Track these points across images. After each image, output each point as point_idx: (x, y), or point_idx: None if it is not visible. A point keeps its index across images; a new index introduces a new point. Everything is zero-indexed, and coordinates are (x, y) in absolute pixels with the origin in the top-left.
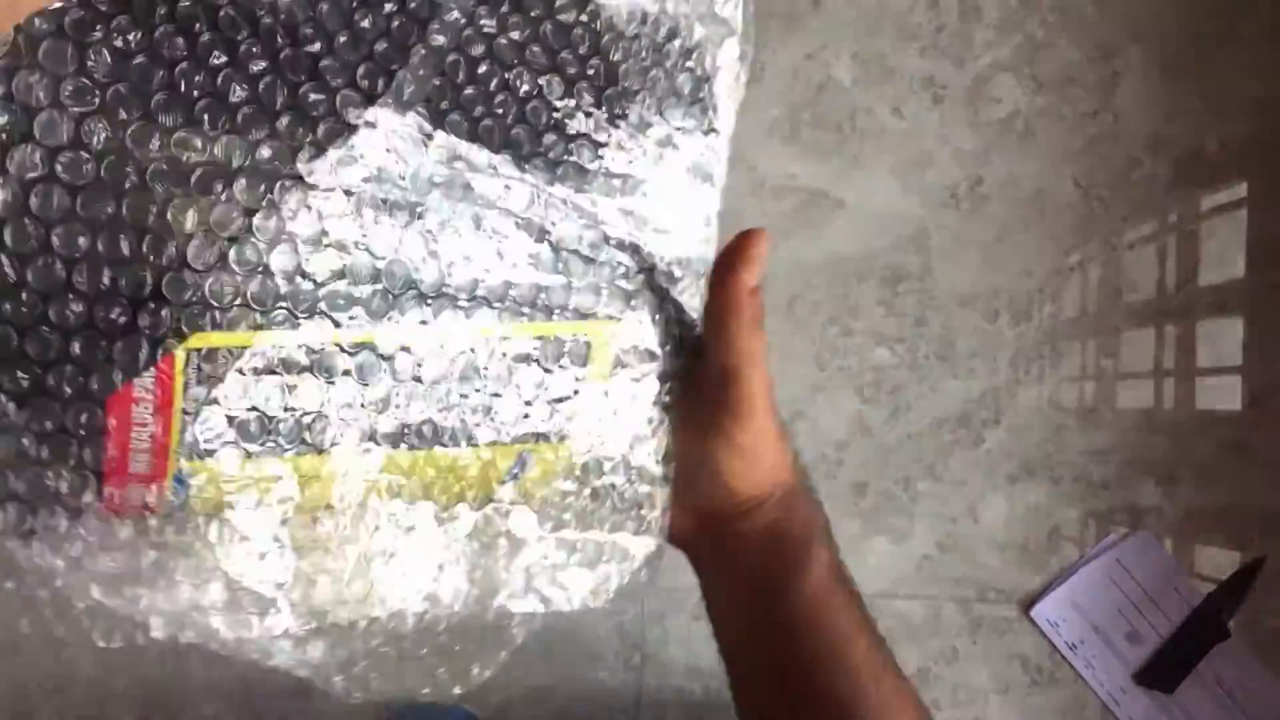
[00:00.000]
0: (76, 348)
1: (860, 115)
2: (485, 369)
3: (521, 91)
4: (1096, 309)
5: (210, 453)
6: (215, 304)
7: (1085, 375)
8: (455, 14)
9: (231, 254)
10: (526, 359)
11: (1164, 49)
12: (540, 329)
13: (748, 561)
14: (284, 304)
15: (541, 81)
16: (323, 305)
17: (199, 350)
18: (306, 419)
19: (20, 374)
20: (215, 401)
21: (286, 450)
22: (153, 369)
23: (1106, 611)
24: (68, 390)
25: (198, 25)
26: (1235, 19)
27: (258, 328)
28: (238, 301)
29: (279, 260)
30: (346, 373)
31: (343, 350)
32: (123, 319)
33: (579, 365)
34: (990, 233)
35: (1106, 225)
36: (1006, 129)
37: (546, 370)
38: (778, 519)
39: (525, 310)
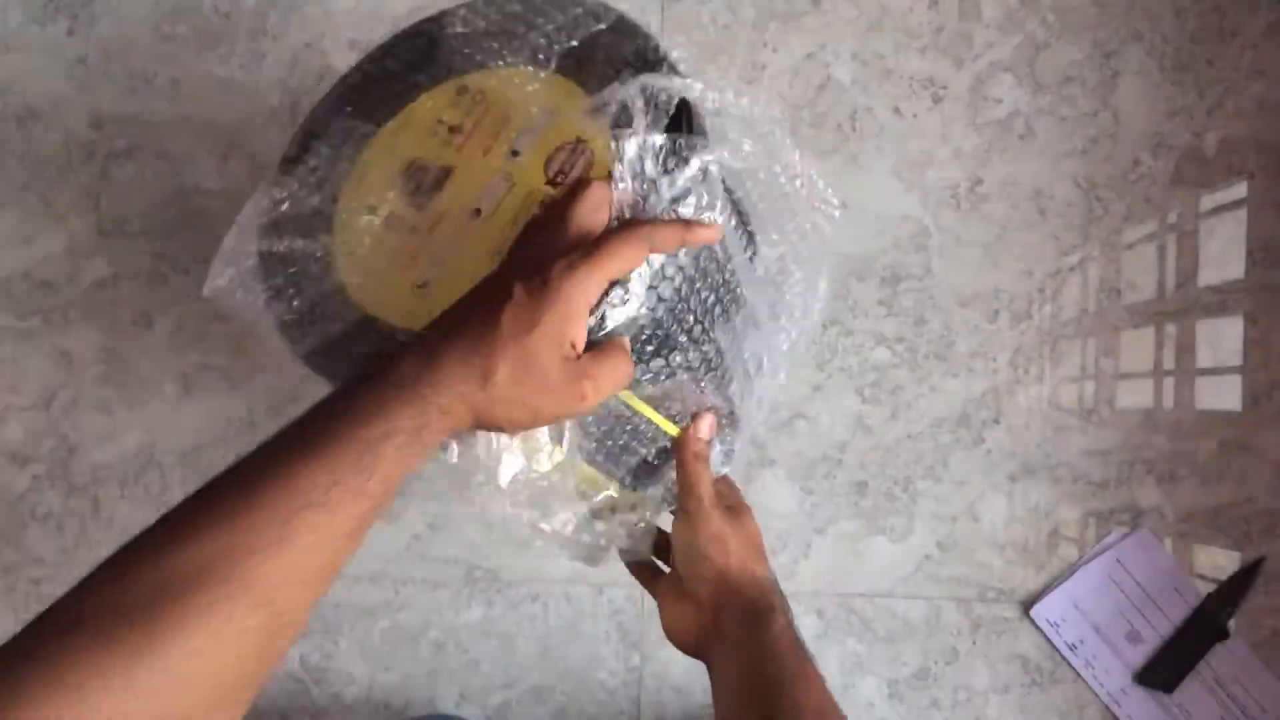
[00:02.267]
0: None
1: (860, 115)
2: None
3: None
4: (1096, 309)
5: None
6: None
7: (1085, 375)
8: None
9: None
10: None
11: (1164, 49)
12: None
13: (735, 634)
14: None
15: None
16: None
17: None
18: None
19: None
20: None
21: None
22: None
23: (1106, 611)
24: None
25: None
26: (1235, 18)
27: None
28: None
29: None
30: None
31: None
32: None
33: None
34: (990, 233)
35: (1106, 225)
36: (1006, 129)
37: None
38: (746, 589)
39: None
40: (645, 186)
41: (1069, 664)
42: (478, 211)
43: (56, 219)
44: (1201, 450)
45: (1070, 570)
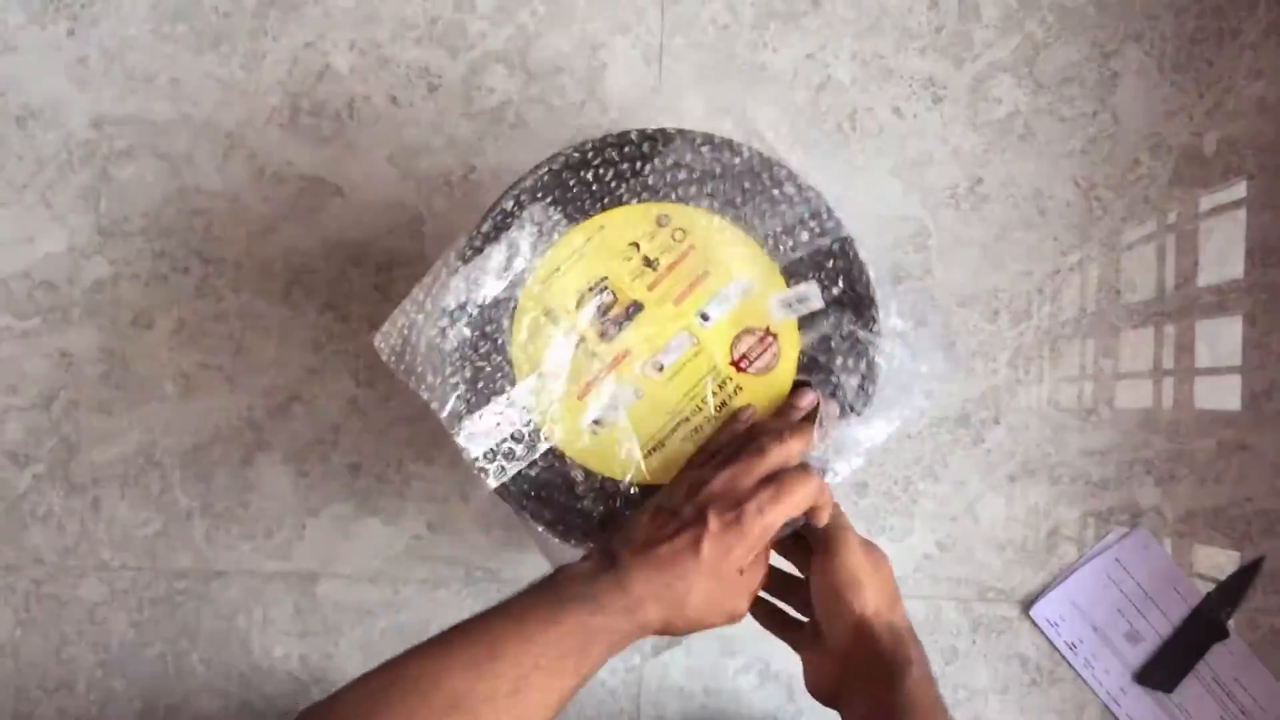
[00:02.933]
0: None
1: (860, 115)
2: None
3: None
4: (1096, 309)
5: None
6: None
7: (1084, 375)
8: None
9: None
10: None
11: (1163, 49)
12: None
13: (869, 690)
14: None
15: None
16: None
17: None
18: None
19: None
20: None
21: None
22: None
23: (1106, 611)
24: None
25: None
26: (1235, 19)
27: None
28: None
29: None
30: None
31: None
32: None
33: None
34: (990, 233)
35: (1106, 225)
36: (1006, 129)
37: None
38: (883, 639)
39: None
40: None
41: (1068, 663)
42: (660, 366)
43: (56, 219)
44: (1201, 450)
45: (1069, 570)
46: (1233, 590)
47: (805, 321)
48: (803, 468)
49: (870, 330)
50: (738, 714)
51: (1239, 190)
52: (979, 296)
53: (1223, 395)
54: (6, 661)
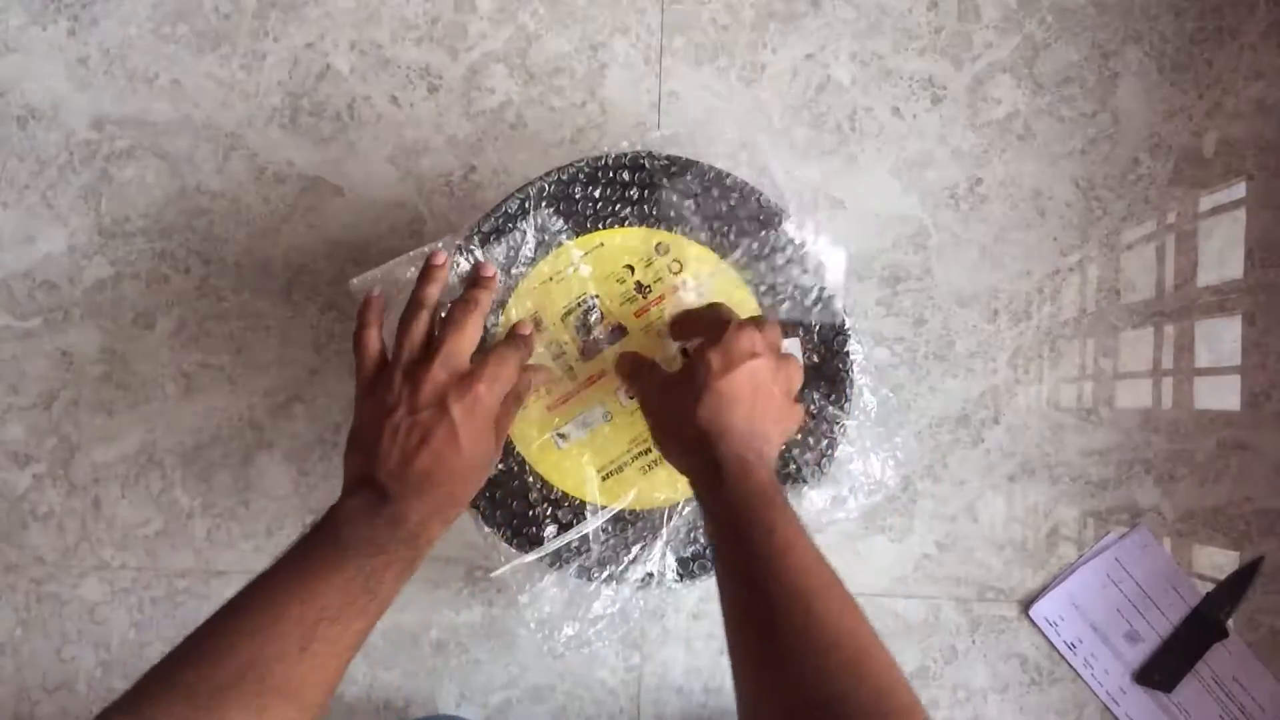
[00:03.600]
0: None
1: (860, 115)
2: None
3: None
4: (1095, 309)
5: None
6: None
7: (1084, 375)
8: None
9: None
10: None
11: (1163, 49)
12: None
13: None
14: None
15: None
16: None
17: None
18: None
19: None
20: None
21: None
22: None
23: (1105, 611)
24: None
25: None
26: (1234, 19)
27: None
28: None
29: None
30: None
31: None
32: None
33: None
34: (989, 233)
35: (1105, 225)
36: (1005, 129)
37: None
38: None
39: None
40: None
41: (1068, 663)
42: (633, 394)
43: (57, 219)
44: (1200, 450)
45: (1069, 569)
46: (1232, 590)
47: None
48: (509, 341)
49: (841, 408)
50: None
51: (1238, 190)
52: (978, 296)
53: (1222, 395)
54: (7, 661)
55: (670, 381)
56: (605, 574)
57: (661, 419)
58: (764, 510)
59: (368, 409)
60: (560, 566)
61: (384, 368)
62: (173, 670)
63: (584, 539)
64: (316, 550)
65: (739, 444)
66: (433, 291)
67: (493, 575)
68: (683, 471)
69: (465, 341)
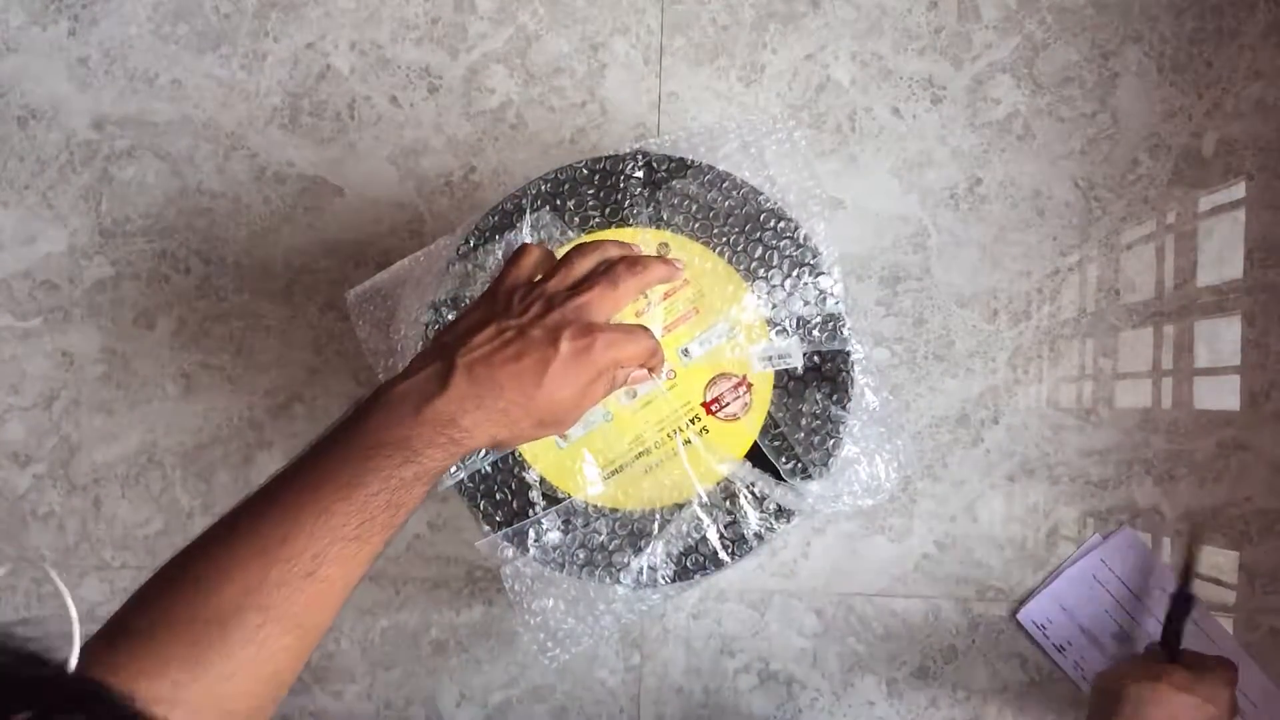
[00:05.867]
0: None
1: (859, 116)
2: None
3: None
4: (1095, 309)
5: None
6: None
7: (1083, 375)
8: None
9: None
10: None
11: (1162, 50)
12: None
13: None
14: None
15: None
16: None
17: None
18: None
19: None
20: None
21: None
22: None
23: (1093, 612)
24: None
25: None
26: (1234, 19)
27: None
28: None
29: None
30: None
31: None
32: None
33: None
34: (989, 233)
35: (1105, 226)
36: (1005, 129)
37: None
38: None
39: None
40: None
41: (1059, 666)
42: (634, 394)
43: (58, 219)
44: (1200, 450)
45: (1055, 572)
46: (1186, 559)
47: (781, 382)
48: (648, 332)
49: (843, 407)
50: (737, 714)
51: (1238, 190)
52: (978, 297)
53: (1222, 395)
54: None
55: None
56: (605, 574)
57: None
58: None
59: (485, 306)
60: (561, 567)
61: (527, 284)
62: (168, 596)
63: (584, 539)
64: (341, 458)
65: None
66: (631, 271)
67: (476, 544)
68: None
69: (610, 302)
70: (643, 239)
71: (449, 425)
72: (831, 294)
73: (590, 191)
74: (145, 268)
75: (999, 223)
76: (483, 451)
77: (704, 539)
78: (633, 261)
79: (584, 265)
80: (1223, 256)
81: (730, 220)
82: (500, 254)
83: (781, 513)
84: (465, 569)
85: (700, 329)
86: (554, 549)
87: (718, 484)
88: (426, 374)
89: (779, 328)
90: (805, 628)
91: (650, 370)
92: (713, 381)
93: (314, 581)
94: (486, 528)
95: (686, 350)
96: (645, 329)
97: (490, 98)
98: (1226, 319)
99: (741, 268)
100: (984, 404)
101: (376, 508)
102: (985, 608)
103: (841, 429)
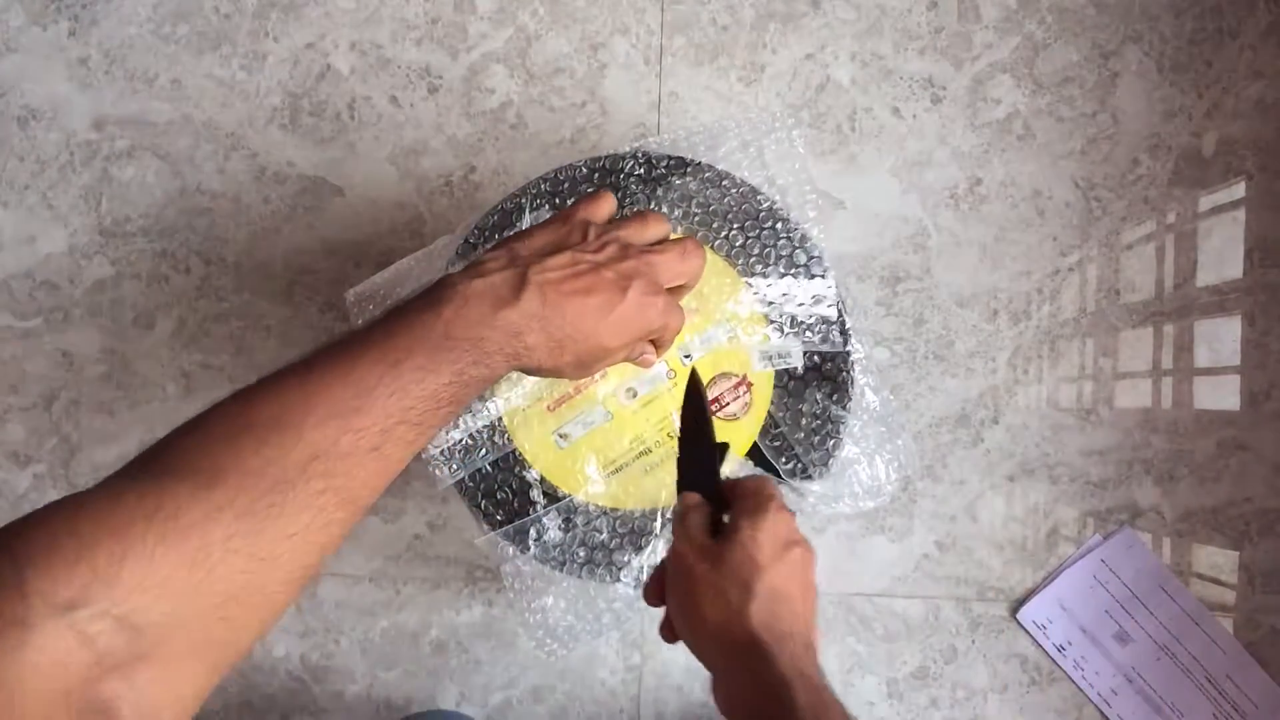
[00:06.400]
0: None
1: (860, 116)
2: None
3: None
4: (1095, 309)
5: None
6: None
7: (1084, 375)
8: None
9: None
10: None
11: (1162, 50)
12: None
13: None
14: None
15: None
16: None
17: None
18: None
19: None
20: None
21: None
22: None
23: (1093, 612)
24: None
25: None
26: (1234, 19)
27: None
28: None
29: None
30: None
31: None
32: None
33: None
34: (989, 233)
35: (1105, 225)
36: (1005, 130)
37: None
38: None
39: None
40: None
41: (1059, 666)
42: (633, 392)
43: (58, 219)
44: (1200, 450)
45: (1055, 572)
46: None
47: (781, 381)
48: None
49: (843, 407)
50: None
51: (1238, 190)
52: (978, 297)
53: (1222, 395)
54: None
55: (709, 555)
56: (605, 573)
57: (697, 611)
58: None
59: (558, 230)
60: (561, 566)
61: (601, 224)
62: (232, 438)
63: (585, 537)
64: (419, 340)
65: (800, 656)
66: (699, 251)
67: (476, 541)
68: (718, 673)
69: (676, 270)
70: None
71: (515, 337)
72: (827, 294)
73: (590, 190)
74: (145, 268)
75: (999, 223)
76: (483, 451)
77: None
78: (700, 245)
79: (658, 228)
80: (1223, 256)
81: (730, 219)
82: None
83: None
84: (465, 569)
85: (700, 329)
86: (554, 547)
87: None
88: (501, 278)
89: (777, 326)
90: None
91: (658, 348)
92: (713, 381)
93: (377, 458)
94: (487, 527)
95: (688, 355)
96: (682, 310)
97: (490, 98)
98: (1226, 319)
99: (740, 266)
100: (984, 404)
101: (443, 399)
102: (985, 608)
103: (842, 429)
